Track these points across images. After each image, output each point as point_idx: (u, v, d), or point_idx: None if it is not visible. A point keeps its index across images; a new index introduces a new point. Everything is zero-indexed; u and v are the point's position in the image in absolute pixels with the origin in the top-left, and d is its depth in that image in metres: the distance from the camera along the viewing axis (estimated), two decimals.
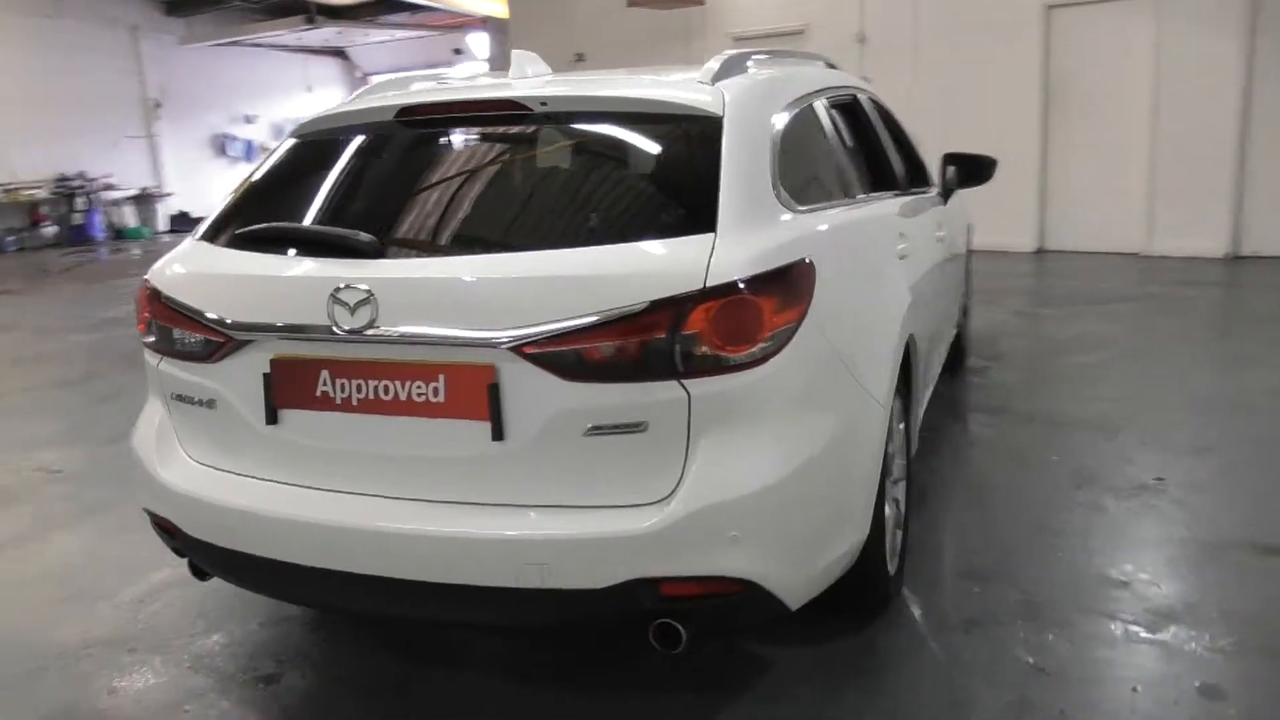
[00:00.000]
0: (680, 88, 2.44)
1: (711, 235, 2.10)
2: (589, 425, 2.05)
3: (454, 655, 2.73)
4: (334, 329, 2.13)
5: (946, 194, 4.49)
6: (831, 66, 3.78)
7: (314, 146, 2.64)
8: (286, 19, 16.30)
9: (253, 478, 2.31)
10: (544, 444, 2.08)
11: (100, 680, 2.65)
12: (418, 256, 2.22)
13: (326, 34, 17.70)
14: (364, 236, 2.19)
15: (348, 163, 2.55)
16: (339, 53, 19.99)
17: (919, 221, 3.50)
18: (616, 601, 2.05)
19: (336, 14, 16.44)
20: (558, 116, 2.43)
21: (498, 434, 2.09)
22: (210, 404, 2.35)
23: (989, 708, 2.39)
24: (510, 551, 2.05)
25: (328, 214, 2.42)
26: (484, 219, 2.36)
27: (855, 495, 2.39)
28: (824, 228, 2.45)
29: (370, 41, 19.11)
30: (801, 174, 2.86)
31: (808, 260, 2.23)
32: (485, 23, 16.43)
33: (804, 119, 2.78)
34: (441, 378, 2.12)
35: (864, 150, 3.37)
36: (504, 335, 2.03)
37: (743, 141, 2.33)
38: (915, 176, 4.48)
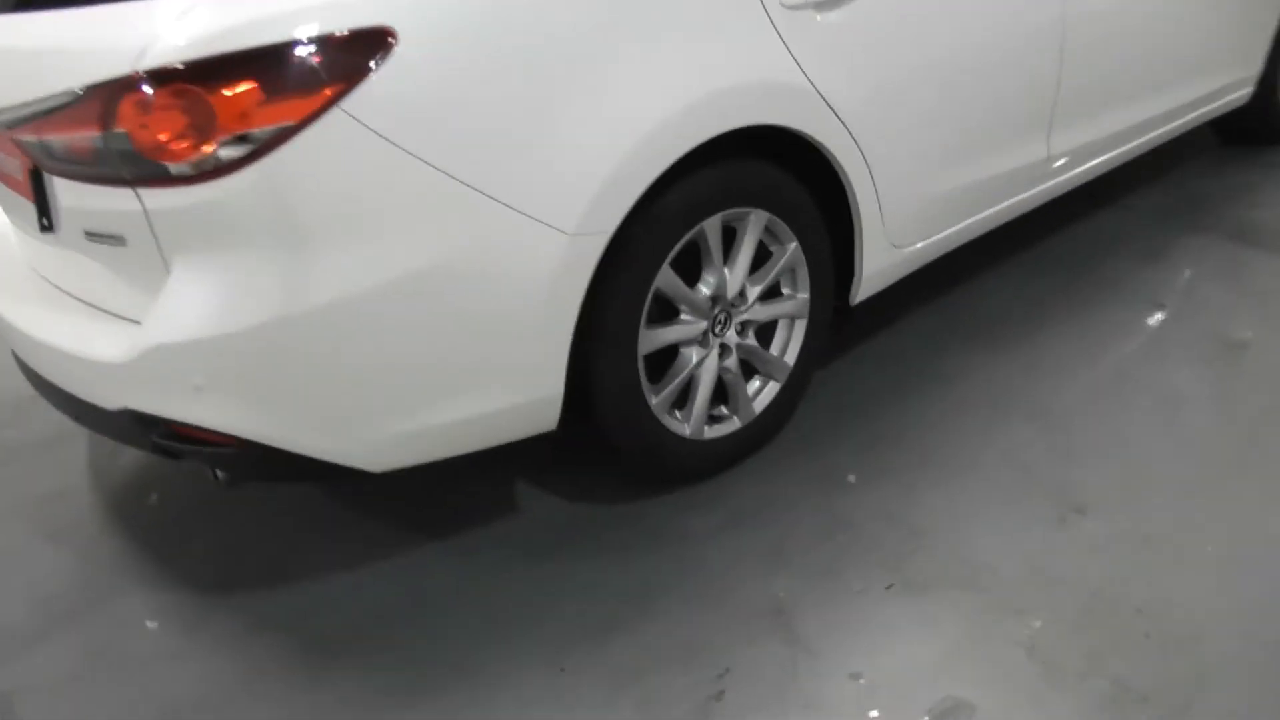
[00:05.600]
0: None
1: None
2: (85, 229, 1.77)
3: None
4: None
5: None
6: None
7: None
8: None
9: None
10: (70, 242, 1.84)
11: None
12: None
13: None
14: None
15: None
16: None
17: None
18: (131, 428, 1.83)
19: None
20: None
21: (45, 224, 1.87)
22: None
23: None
24: (42, 349, 1.91)
25: None
26: None
27: (499, 347, 1.83)
28: None
29: None
30: None
31: (376, 28, 1.60)
32: None
33: None
34: (17, 155, 1.92)
35: None
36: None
37: None
38: None
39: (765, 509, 2.15)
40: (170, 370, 1.68)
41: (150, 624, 2.02)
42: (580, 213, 1.79)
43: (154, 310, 1.68)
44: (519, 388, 1.88)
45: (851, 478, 2.22)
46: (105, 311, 1.87)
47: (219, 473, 1.88)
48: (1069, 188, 2.98)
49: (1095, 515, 2.04)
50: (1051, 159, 2.80)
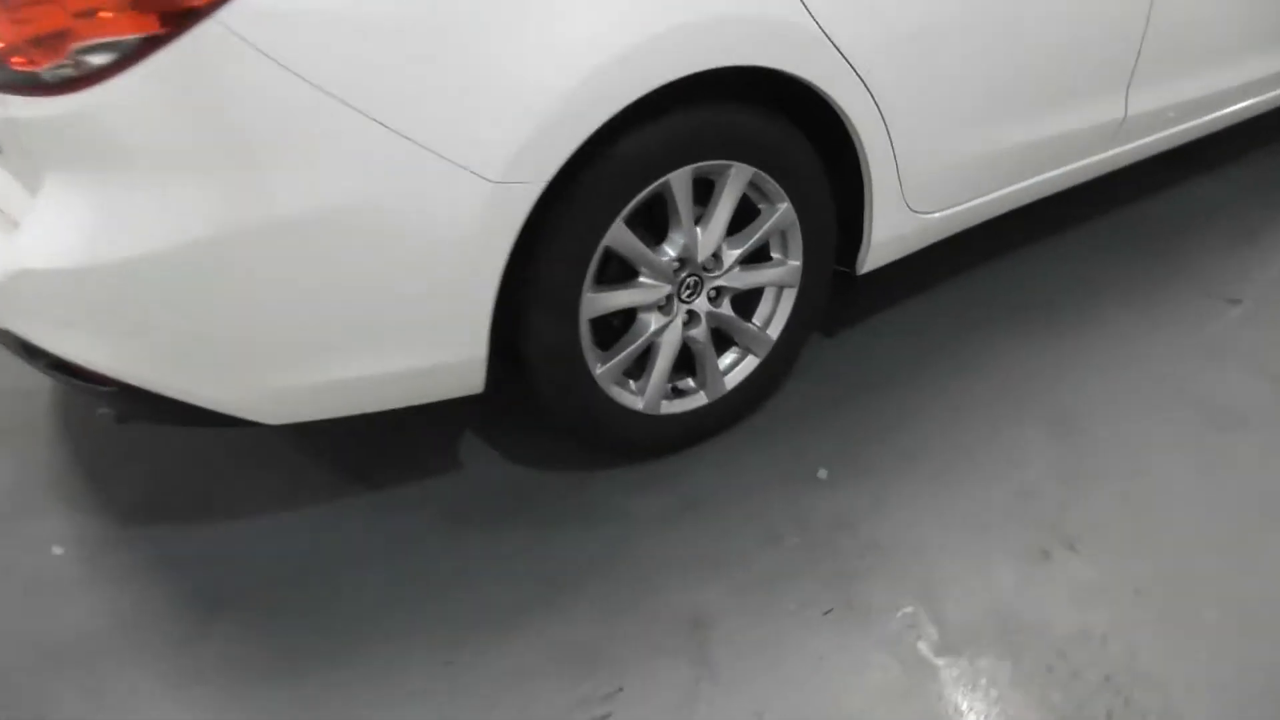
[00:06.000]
0: None
1: None
2: None
3: None
4: None
5: None
6: None
7: None
8: None
9: None
10: None
11: None
12: None
13: None
14: None
15: None
16: None
17: None
18: (22, 350, 1.70)
19: None
20: None
21: None
22: None
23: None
24: None
25: None
26: None
27: (407, 302, 1.63)
28: None
29: None
30: None
31: None
32: None
33: None
34: None
35: None
36: None
37: None
38: None
39: (719, 498, 1.94)
40: (33, 299, 1.54)
41: (57, 550, 1.93)
42: (507, 158, 1.56)
43: (22, 230, 1.53)
44: (434, 347, 1.69)
45: (823, 473, 1.98)
46: (10, 219, 1.73)
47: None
48: (1148, 154, 2.60)
49: (1086, 553, 1.77)
50: (1130, 119, 2.43)
